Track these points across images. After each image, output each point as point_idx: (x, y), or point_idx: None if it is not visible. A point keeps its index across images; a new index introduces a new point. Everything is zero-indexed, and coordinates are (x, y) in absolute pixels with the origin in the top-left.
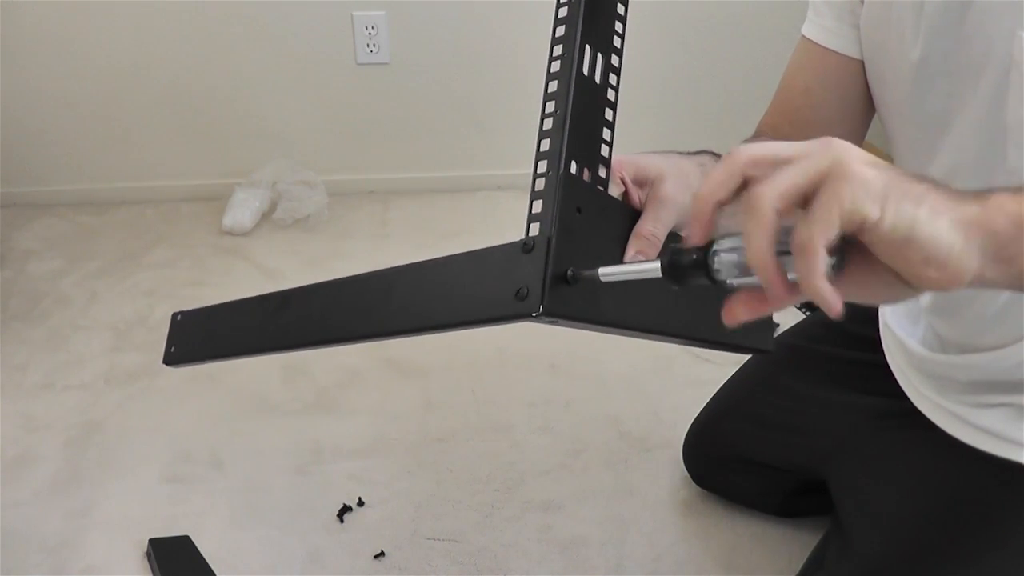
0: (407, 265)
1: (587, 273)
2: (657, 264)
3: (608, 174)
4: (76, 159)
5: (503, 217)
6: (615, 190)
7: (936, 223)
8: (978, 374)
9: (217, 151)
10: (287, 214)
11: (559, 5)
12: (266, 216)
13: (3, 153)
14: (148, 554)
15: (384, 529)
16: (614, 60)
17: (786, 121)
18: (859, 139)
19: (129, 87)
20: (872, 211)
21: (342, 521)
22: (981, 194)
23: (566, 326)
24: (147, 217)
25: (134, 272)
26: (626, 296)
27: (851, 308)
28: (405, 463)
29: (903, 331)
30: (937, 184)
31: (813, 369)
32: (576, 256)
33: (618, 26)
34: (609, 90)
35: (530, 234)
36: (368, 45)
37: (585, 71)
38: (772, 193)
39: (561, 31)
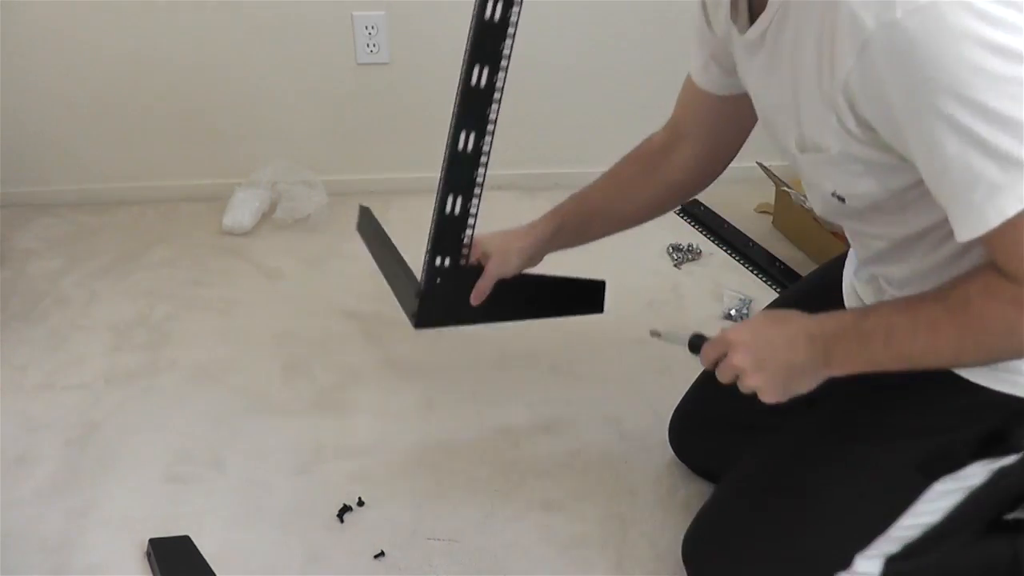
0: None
1: (667, 335)
2: (688, 336)
3: (469, 251)
4: (76, 159)
5: (503, 217)
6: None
7: (774, 383)
8: None
9: (217, 151)
10: (287, 214)
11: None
12: (266, 216)
13: (3, 153)
14: (148, 554)
15: (384, 529)
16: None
17: (684, 122)
18: (745, 130)
19: (129, 87)
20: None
21: (342, 521)
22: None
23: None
24: (147, 217)
25: (134, 272)
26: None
27: (820, 286)
28: (405, 463)
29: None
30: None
31: None
32: (437, 298)
33: (487, 140)
34: (474, 196)
35: (421, 286)
36: (368, 45)
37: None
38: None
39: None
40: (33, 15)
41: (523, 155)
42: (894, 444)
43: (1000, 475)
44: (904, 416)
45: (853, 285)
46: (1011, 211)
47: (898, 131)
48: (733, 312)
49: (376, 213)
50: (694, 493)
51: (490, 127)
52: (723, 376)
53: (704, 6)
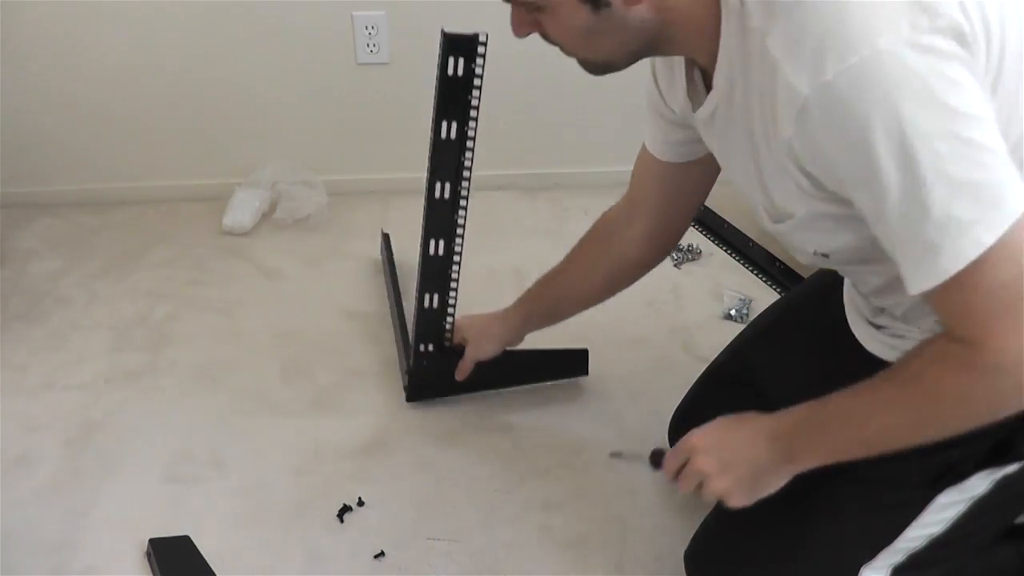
0: None
1: (627, 454)
2: (647, 453)
3: (451, 334)
4: (76, 159)
5: (503, 217)
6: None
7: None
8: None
9: (217, 151)
10: (287, 214)
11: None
12: (266, 216)
13: (3, 153)
14: (148, 554)
15: (384, 529)
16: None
17: (638, 196)
18: (707, 185)
19: (129, 87)
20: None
21: (342, 521)
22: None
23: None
24: (147, 217)
25: (134, 272)
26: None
27: (821, 287)
28: (405, 463)
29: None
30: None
31: (783, 343)
32: (425, 377)
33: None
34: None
35: (409, 365)
36: (368, 45)
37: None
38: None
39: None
40: (33, 15)
41: (523, 155)
42: (899, 459)
43: (1003, 484)
44: None
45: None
46: (951, 269)
47: (844, 188)
48: (733, 312)
49: (376, 213)
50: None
51: (459, 231)
52: (686, 485)
53: (656, 82)
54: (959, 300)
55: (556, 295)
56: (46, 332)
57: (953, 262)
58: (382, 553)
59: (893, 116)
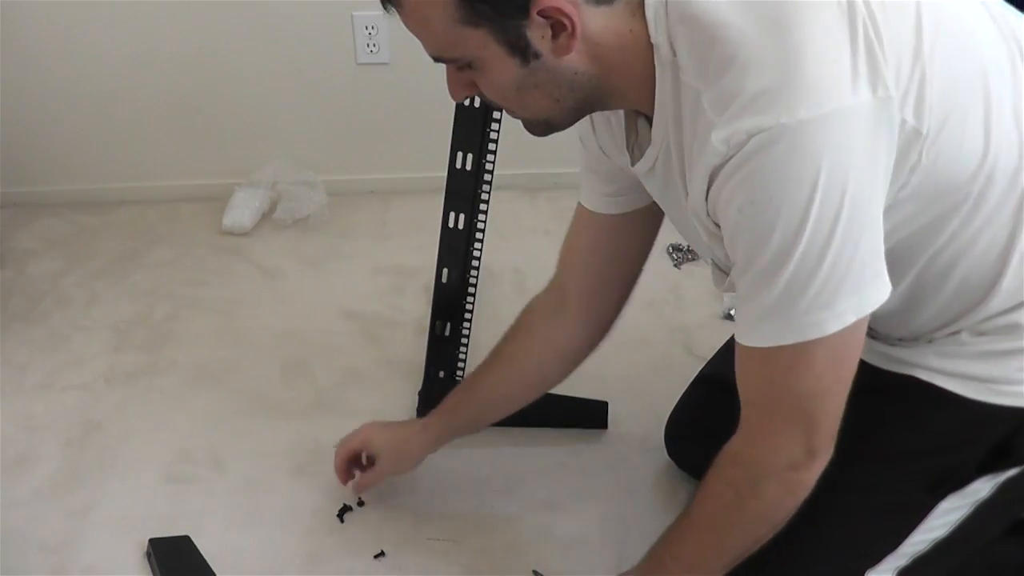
0: None
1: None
2: None
3: (465, 366)
4: (76, 159)
5: (503, 217)
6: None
7: None
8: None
9: (217, 151)
10: (287, 214)
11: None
12: (266, 216)
13: (3, 153)
14: (148, 554)
15: (384, 529)
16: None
17: (570, 278)
18: (646, 244)
19: (129, 87)
20: None
21: (342, 521)
22: None
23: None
24: (147, 217)
25: (134, 272)
26: None
27: None
28: None
29: None
30: None
31: None
32: (435, 399)
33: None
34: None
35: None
36: (368, 45)
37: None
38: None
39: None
40: (33, 15)
41: (523, 155)
42: (902, 465)
43: (1006, 486)
44: (910, 437)
45: None
46: (779, 341)
47: (728, 239)
48: (733, 312)
49: (376, 213)
50: (694, 493)
51: (475, 263)
52: None
53: (595, 136)
54: (760, 377)
55: (480, 400)
56: (46, 332)
57: (788, 335)
58: (382, 553)
59: (796, 190)
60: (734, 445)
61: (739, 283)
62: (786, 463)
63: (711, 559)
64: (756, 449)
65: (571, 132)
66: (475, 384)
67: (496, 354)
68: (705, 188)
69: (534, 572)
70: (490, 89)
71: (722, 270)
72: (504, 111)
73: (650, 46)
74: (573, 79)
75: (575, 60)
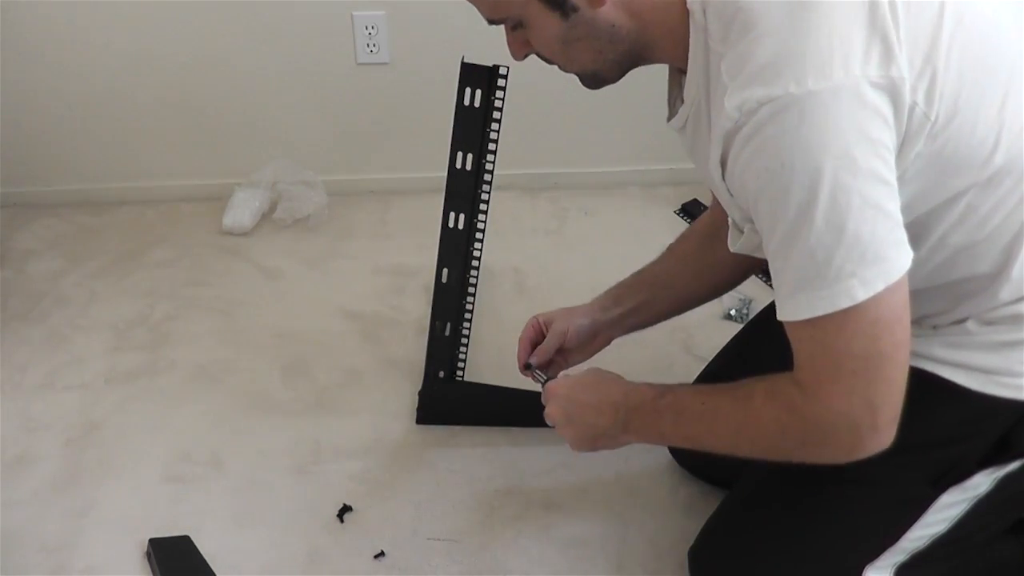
0: None
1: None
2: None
3: (464, 365)
4: (76, 159)
5: (503, 217)
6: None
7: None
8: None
9: (217, 151)
10: (287, 214)
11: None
12: (266, 216)
13: (3, 153)
14: (148, 554)
15: (384, 529)
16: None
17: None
18: None
19: (129, 87)
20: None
21: (342, 521)
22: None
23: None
24: (147, 217)
25: (134, 272)
26: (469, 407)
27: None
28: (405, 463)
29: None
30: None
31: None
32: (435, 402)
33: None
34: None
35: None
36: (368, 45)
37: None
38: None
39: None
40: (33, 15)
41: (523, 155)
42: (902, 459)
43: (1006, 482)
44: (913, 429)
45: None
46: (818, 311)
47: (750, 207)
48: (733, 312)
49: (376, 213)
50: (694, 493)
51: (475, 263)
52: (546, 418)
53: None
54: (812, 345)
55: (653, 284)
56: (46, 332)
57: (821, 305)
58: (382, 553)
59: (806, 159)
60: (793, 398)
61: (768, 257)
62: (847, 426)
63: (722, 445)
64: (818, 406)
65: (571, 130)
66: (648, 271)
67: (673, 248)
68: (719, 153)
69: (533, 371)
70: (540, 45)
71: (738, 228)
72: (558, 67)
73: (684, 4)
74: (612, 32)
75: (611, 14)
